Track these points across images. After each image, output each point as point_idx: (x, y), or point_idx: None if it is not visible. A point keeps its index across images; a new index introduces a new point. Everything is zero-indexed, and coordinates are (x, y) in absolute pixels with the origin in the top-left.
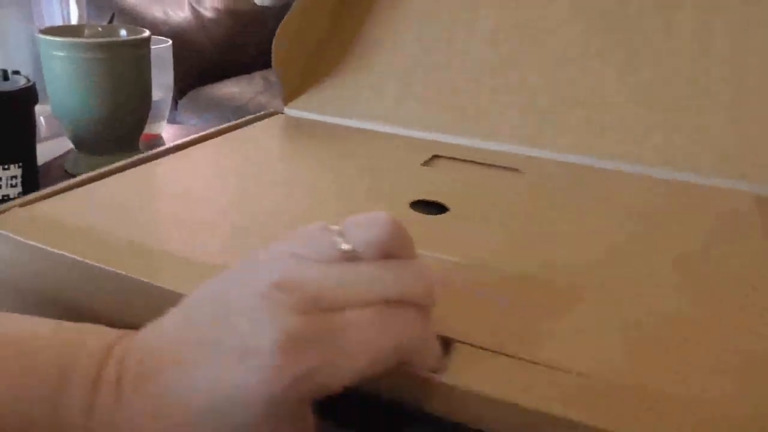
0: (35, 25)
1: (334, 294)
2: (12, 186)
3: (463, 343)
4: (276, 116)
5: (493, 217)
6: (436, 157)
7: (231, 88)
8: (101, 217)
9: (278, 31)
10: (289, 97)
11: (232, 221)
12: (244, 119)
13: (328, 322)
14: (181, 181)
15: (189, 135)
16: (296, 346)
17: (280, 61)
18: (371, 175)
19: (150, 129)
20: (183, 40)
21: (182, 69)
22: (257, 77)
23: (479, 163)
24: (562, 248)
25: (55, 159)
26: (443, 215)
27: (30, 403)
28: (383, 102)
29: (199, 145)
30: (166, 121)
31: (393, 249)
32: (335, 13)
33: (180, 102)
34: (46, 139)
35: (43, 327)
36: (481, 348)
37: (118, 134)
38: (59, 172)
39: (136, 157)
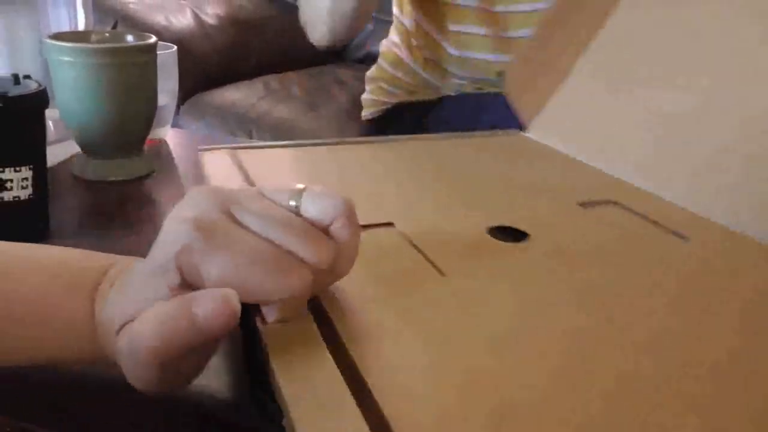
0: (43, 31)
1: (247, 218)
2: (23, 188)
3: None
4: (516, 135)
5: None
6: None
7: (232, 94)
8: None
9: (513, 56)
10: (525, 118)
11: None
12: (480, 133)
13: (221, 228)
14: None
15: (193, 140)
16: (190, 251)
17: (513, 85)
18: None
19: (154, 134)
20: (185, 47)
21: (184, 75)
22: (258, 83)
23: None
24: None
25: (62, 162)
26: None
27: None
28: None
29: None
30: (170, 125)
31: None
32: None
33: (182, 107)
34: (54, 142)
35: (71, 252)
36: None
37: (124, 138)
38: (66, 176)
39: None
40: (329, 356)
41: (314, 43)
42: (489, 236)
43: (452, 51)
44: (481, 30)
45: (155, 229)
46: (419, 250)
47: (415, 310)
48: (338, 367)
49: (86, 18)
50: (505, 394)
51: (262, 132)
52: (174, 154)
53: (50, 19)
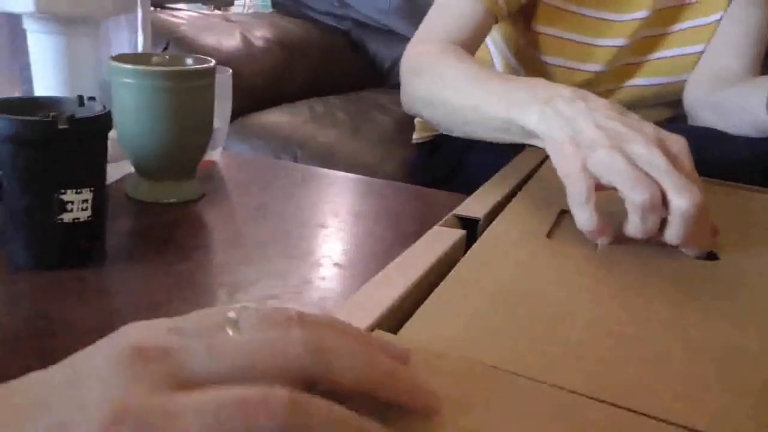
0: (103, 53)
1: (199, 366)
2: (83, 210)
3: None
4: None
5: None
6: None
7: (278, 117)
8: None
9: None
10: None
11: None
12: None
13: (168, 404)
14: None
15: (244, 163)
16: (119, 426)
17: None
18: None
19: (207, 155)
20: (233, 68)
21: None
22: (303, 106)
23: None
24: None
25: (116, 182)
26: None
27: None
28: None
29: None
30: (222, 148)
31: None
32: None
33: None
34: (109, 161)
35: None
36: None
37: (179, 161)
38: (119, 195)
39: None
40: None
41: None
42: None
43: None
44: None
45: (210, 255)
46: None
47: None
48: None
49: (145, 41)
50: None
51: (306, 154)
52: (224, 176)
53: (111, 40)
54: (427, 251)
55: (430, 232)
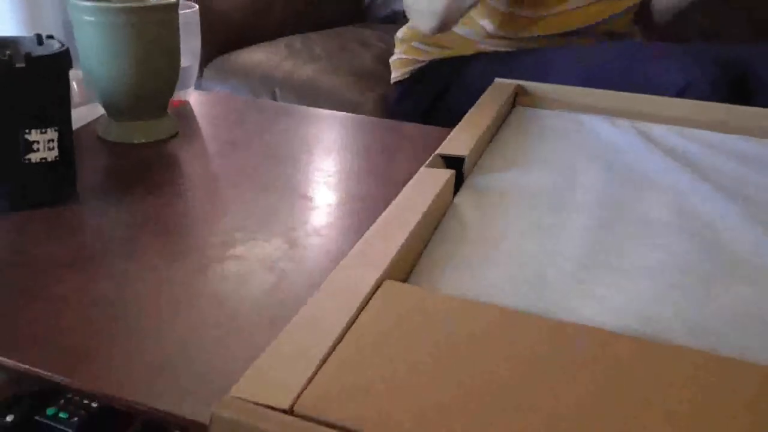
0: None
1: None
2: (50, 149)
3: None
4: None
5: None
6: None
7: (255, 55)
8: None
9: None
10: None
11: None
12: None
13: None
14: None
15: (217, 101)
16: None
17: None
18: None
19: (178, 95)
20: (205, 8)
21: (206, 36)
22: (281, 44)
23: None
24: None
25: (87, 125)
26: None
27: None
28: None
29: None
30: (193, 87)
31: None
32: None
33: (204, 69)
34: (79, 104)
35: None
36: None
37: (147, 100)
38: (91, 138)
39: None
40: None
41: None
42: None
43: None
44: None
45: (181, 191)
46: None
47: None
48: None
49: None
50: None
51: (285, 92)
52: (197, 116)
53: None
54: (420, 194)
55: (418, 173)
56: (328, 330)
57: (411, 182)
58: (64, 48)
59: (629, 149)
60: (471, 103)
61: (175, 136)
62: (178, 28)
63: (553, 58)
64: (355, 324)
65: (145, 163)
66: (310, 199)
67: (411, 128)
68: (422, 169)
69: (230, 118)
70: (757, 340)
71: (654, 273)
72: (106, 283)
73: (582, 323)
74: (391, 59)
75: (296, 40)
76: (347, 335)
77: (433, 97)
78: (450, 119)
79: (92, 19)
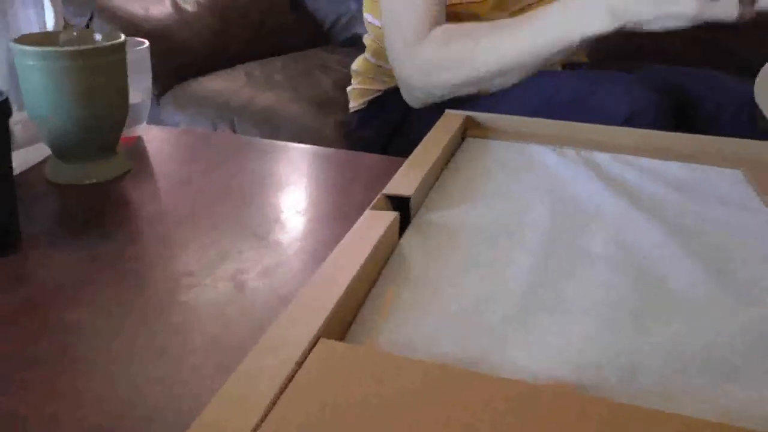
0: (12, 34)
1: None
2: None
3: None
4: None
5: None
6: None
7: (213, 84)
8: None
9: None
10: None
11: None
12: None
13: None
14: None
15: (170, 136)
16: None
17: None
18: None
19: (128, 132)
20: (164, 36)
21: (164, 65)
22: (240, 71)
23: None
24: None
25: (36, 165)
26: None
27: None
28: None
29: None
30: (145, 123)
31: None
32: None
33: (162, 98)
34: (25, 145)
35: None
36: None
37: (95, 141)
38: (39, 180)
39: None
40: None
41: (406, 99)
42: None
43: None
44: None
45: (132, 234)
46: None
47: None
48: None
49: (56, 17)
50: None
51: (243, 121)
52: (150, 151)
53: (19, 20)
54: (363, 238)
55: (363, 216)
56: (263, 393)
57: (356, 225)
58: (3, 98)
59: (574, 179)
60: (426, 133)
61: (127, 173)
62: (125, 68)
63: (505, 88)
64: (291, 384)
65: (95, 205)
66: (262, 238)
67: (369, 159)
68: (367, 211)
69: (183, 154)
70: (691, 380)
71: (589, 314)
72: (45, 339)
73: (516, 374)
74: (348, 89)
75: (256, 67)
76: (282, 397)
77: (392, 125)
78: (409, 147)
79: (34, 63)
